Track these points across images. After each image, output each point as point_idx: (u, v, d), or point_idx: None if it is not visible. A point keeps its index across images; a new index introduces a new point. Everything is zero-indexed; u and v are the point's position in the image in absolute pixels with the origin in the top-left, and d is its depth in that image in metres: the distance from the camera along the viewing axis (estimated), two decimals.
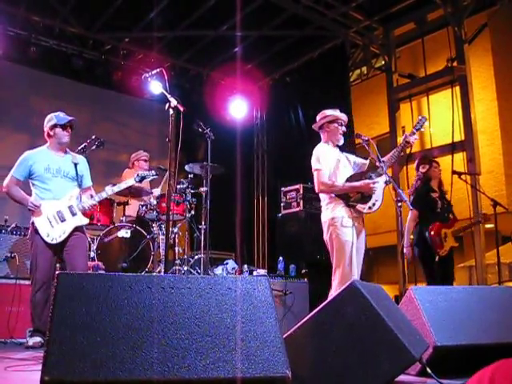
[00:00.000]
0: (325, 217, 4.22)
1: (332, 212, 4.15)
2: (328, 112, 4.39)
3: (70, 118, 4.38)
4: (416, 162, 5.60)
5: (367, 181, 4.16)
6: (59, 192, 4.31)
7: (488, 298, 3.10)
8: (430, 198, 5.27)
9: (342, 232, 4.09)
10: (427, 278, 5.25)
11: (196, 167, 6.17)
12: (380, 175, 4.18)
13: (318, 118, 4.43)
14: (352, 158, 4.49)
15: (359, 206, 4.15)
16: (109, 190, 4.56)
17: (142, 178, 4.82)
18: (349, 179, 4.21)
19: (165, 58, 8.48)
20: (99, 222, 5.76)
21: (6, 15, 7.13)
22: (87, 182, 4.59)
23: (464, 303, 2.97)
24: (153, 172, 5.03)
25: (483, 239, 6.68)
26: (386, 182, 4.15)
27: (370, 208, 4.15)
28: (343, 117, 4.38)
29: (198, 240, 6.21)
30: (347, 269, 4.02)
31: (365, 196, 4.14)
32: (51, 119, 4.37)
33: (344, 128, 4.37)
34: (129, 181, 4.76)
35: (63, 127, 4.35)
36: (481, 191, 6.30)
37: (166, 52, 8.39)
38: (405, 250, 5.33)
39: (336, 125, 4.33)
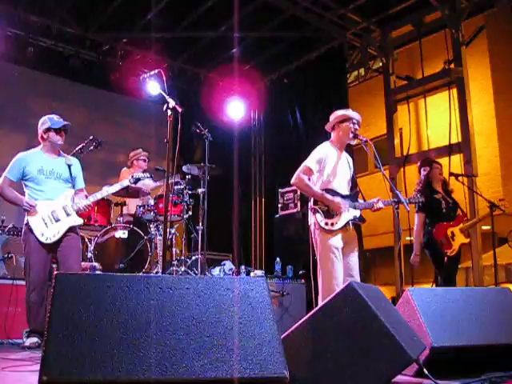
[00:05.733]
0: (309, 220, 4.21)
1: (313, 216, 4.11)
2: (339, 112, 4.32)
3: (64, 123, 4.37)
4: (418, 165, 5.61)
5: (340, 200, 4.07)
6: (52, 193, 4.31)
7: (484, 299, 3.10)
8: (434, 199, 5.28)
9: (324, 236, 4.05)
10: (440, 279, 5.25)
11: (193, 168, 6.16)
12: (355, 208, 4.12)
13: (330, 118, 4.36)
14: (351, 164, 4.41)
15: (318, 217, 4.06)
16: (104, 191, 4.58)
17: (137, 180, 4.82)
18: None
19: (163, 58, 8.46)
20: (96, 222, 5.74)
21: (3, 15, 7.10)
22: (80, 183, 4.59)
23: (461, 304, 2.98)
24: (147, 174, 5.02)
25: (480, 241, 6.69)
26: (354, 219, 4.09)
27: (326, 224, 4.02)
28: (355, 116, 4.27)
29: (195, 241, 6.20)
30: (328, 273, 3.98)
31: (330, 212, 4.05)
32: (45, 122, 4.37)
33: (357, 126, 4.23)
34: (124, 182, 4.76)
35: (57, 131, 4.35)
36: (478, 193, 6.32)
37: (163, 53, 8.37)
38: (412, 258, 5.25)
39: (347, 123, 4.23)
